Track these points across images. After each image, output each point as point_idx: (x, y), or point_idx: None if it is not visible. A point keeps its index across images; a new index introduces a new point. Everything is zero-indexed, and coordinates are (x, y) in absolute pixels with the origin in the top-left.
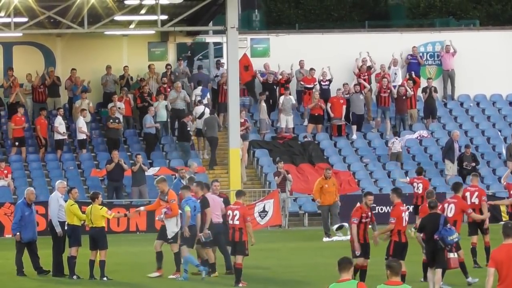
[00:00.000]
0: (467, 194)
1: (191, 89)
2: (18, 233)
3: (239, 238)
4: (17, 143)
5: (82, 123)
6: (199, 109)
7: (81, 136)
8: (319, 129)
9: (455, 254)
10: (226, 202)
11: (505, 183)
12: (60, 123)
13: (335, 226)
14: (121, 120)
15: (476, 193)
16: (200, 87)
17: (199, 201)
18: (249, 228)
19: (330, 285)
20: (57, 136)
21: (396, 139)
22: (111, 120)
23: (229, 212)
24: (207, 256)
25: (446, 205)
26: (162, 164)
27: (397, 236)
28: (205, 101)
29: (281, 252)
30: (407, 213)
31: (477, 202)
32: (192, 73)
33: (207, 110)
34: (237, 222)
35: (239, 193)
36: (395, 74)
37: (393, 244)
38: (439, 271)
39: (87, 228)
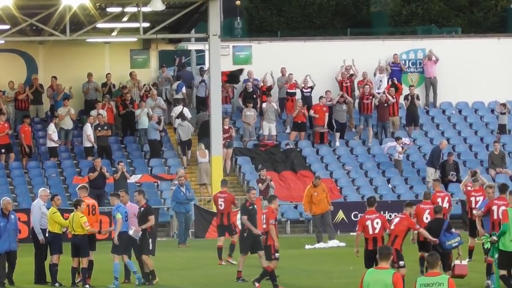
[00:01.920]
0: (439, 199)
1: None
2: None
3: (265, 242)
4: (3, 150)
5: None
6: (178, 109)
7: (51, 144)
8: (302, 137)
9: (463, 261)
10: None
11: (464, 189)
12: (53, 131)
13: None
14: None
15: (447, 198)
16: (177, 82)
17: (142, 208)
18: (272, 231)
19: (368, 270)
20: (50, 144)
21: (399, 145)
22: (99, 128)
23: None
24: (146, 263)
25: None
26: (144, 171)
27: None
28: (179, 95)
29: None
30: (375, 221)
31: (447, 207)
32: (176, 72)
33: (186, 110)
34: (264, 226)
35: (271, 198)
36: (380, 81)
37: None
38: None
39: (69, 236)
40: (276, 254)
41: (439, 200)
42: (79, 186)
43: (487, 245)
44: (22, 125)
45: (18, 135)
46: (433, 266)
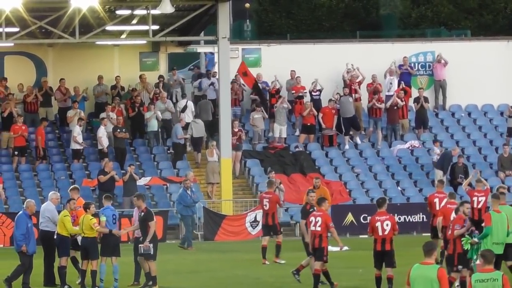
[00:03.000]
0: (436, 200)
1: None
2: (24, 245)
3: (318, 244)
4: (16, 153)
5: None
6: (182, 102)
7: (76, 146)
8: (311, 139)
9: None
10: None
11: (466, 189)
12: (78, 133)
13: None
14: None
15: (445, 200)
16: (199, 80)
17: (142, 213)
18: (335, 233)
19: (414, 266)
20: (75, 146)
21: (436, 147)
22: (118, 130)
23: (312, 218)
24: (149, 268)
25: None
26: (153, 174)
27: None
28: (201, 92)
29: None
30: (385, 222)
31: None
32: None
33: (190, 103)
34: (318, 229)
35: (321, 200)
36: (391, 83)
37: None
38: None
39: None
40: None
41: (436, 200)
42: (71, 187)
43: (467, 246)
44: (39, 128)
45: (34, 138)
46: (490, 262)
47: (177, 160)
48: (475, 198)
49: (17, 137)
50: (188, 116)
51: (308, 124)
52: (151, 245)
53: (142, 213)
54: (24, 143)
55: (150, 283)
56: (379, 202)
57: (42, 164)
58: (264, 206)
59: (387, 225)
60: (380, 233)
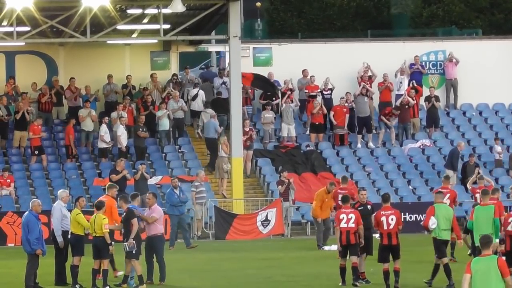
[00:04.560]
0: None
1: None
2: (39, 249)
3: (354, 241)
4: (36, 152)
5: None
6: (193, 91)
7: (102, 145)
8: (321, 138)
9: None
10: (372, 210)
11: (470, 187)
12: (105, 132)
13: None
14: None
15: (448, 195)
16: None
17: (124, 213)
18: (361, 230)
19: (473, 260)
20: (102, 145)
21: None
22: (140, 129)
23: (343, 216)
24: (134, 267)
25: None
26: (164, 173)
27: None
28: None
29: (283, 261)
30: (390, 217)
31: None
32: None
33: (202, 92)
34: (352, 225)
35: (347, 198)
36: (401, 83)
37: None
38: None
39: (90, 237)
40: None
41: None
42: (119, 197)
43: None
44: (68, 126)
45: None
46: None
47: (212, 153)
48: (477, 195)
49: (35, 138)
50: (198, 105)
51: (317, 123)
52: (135, 242)
53: (124, 213)
54: (39, 143)
55: (131, 282)
56: (385, 197)
57: (53, 163)
58: (339, 202)
59: (392, 219)
60: (385, 227)
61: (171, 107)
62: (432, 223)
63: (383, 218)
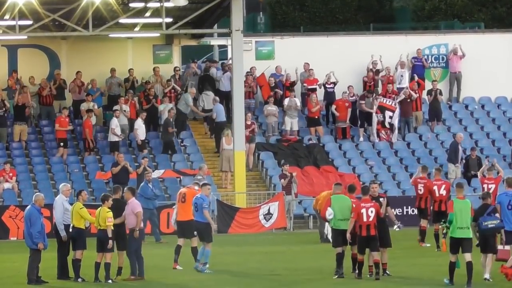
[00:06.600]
0: (435, 187)
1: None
2: (41, 243)
3: (374, 232)
4: (62, 144)
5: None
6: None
7: (114, 138)
8: (320, 131)
9: (505, 247)
10: (387, 202)
11: (480, 176)
12: (116, 125)
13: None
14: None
15: (444, 186)
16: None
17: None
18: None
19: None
20: (113, 138)
21: None
22: (170, 126)
23: (363, 210)
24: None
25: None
26: (167, 166)
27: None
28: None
29: (286, 254)
30: (370, 209)
31: (444, 194)
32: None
33: (214, 69)
34: (373, 219)
35: (353, 188)
36: (401, 76)
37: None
38: (490, 255)
39: (94, 230)
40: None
41: (435, 188)
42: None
43: (445, 230)
44: (86, 120)
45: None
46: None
47: (218, 140)
48: (485, 185)
49: (60, 130)
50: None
51: (315, 117)
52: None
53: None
54: (65, 135)
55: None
56: (364, 189)
57: (55, 157)
58: (419, 191)
59: (371, 211)
60: (365, 219)
61: (189, 102)
62: (329, 214)
63: (363, 210)
